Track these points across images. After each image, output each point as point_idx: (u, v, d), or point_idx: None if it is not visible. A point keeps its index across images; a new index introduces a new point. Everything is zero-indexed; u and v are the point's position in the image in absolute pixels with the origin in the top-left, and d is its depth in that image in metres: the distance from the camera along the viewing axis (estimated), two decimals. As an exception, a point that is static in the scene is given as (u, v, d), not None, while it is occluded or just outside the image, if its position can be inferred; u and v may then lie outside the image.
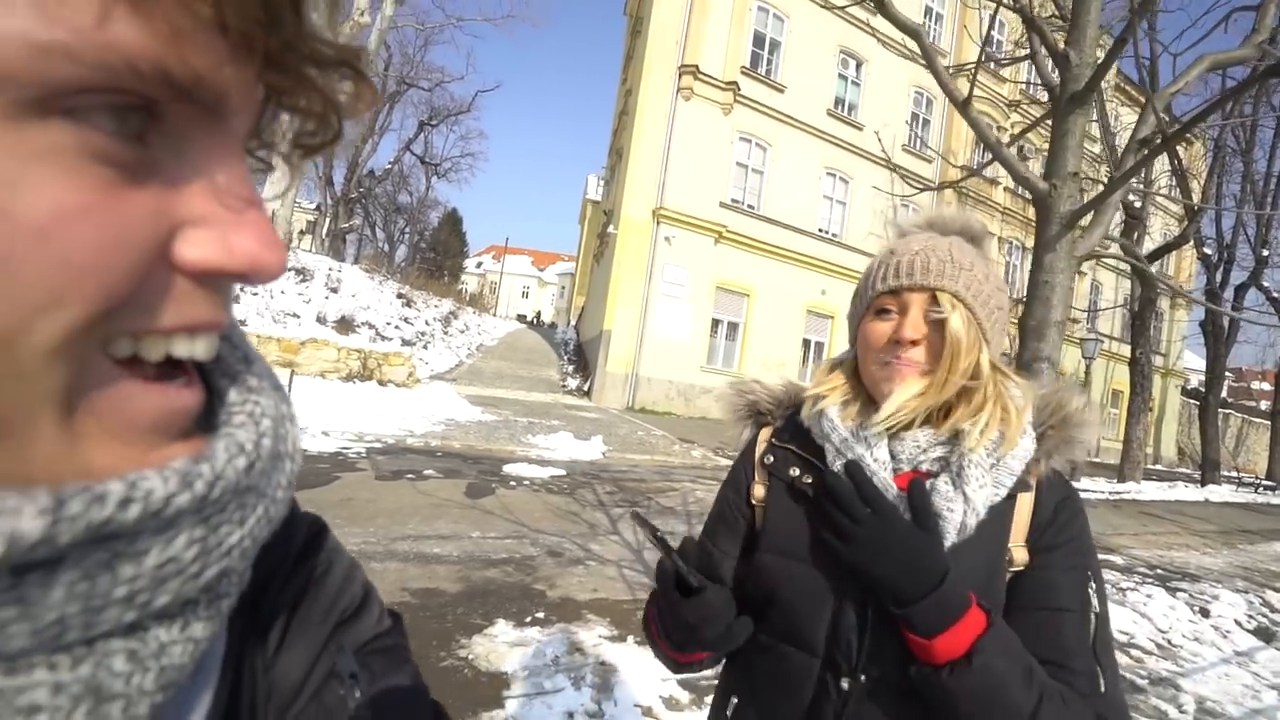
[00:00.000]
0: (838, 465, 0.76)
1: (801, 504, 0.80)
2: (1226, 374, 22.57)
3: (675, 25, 14.87)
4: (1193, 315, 26.20)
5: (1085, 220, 1.88)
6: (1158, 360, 23.82)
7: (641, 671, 2.91)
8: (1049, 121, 2.19)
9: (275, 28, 0.21)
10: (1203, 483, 18.65)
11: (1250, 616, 5.36)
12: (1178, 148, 17.83)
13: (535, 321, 40.80)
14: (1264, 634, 4.96)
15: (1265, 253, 20.61)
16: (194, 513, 0.23)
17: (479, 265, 61.78)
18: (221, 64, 0.21)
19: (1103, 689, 0.66)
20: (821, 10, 16.55)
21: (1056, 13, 2.28)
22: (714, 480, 8.30)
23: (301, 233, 33.92)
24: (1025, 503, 0.74)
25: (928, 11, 18.51)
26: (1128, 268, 17.77)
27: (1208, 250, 21.12)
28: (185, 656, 0.24)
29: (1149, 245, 18.01)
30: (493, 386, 14.03)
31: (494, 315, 28.66)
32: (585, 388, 15.67)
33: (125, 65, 0.18)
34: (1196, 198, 17.29)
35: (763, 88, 16.00)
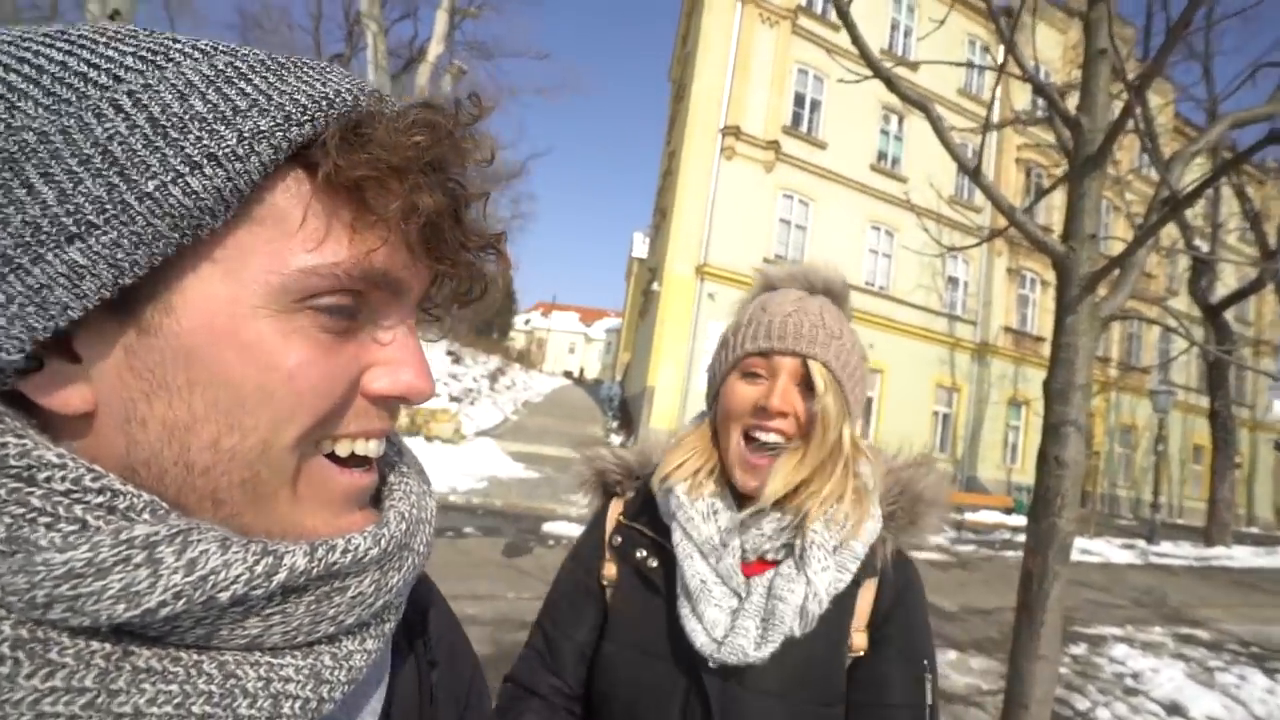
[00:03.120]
0: (684, 548, 0.72)
1: (650, 591, 0.76)
2: (1324, 428, 20.75)
3: (717, 89, 15.41)
4: None
5: (1113, 276, 1.83)
6: (1243, 413, 22.18)
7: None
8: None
9: (441, 241, 0.34)
10: (1305, 548, 16.92)
11: (1366, 706, 4.75)
12: (1247, 188, 17.05)
13: (580, 378, 41.27)
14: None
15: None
16: (376, 562, 0.34)
17: (527, 322, 63.44)
18: (406, 265, 0.33)
19: None
20: (860, 68, 16.91)
21: (1069, 80, 2.28)
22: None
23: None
24: (869, 588, 0.73)
25: (969, 64, 18.64)
26: (1199, 314, 16.83)
27: (1289, 296, 19.80)
28: (363, 661, 0.34)
29: (1221, 291, 17.07)
30: (536, 443, 14.16)
31: (541, 371, 29.19)
32: (629, 444, 15.64)
33: (349, 276, 0.30)
34: (1272, 240, 16.37)
35: (804, 145, 16.28)
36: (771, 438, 0.71)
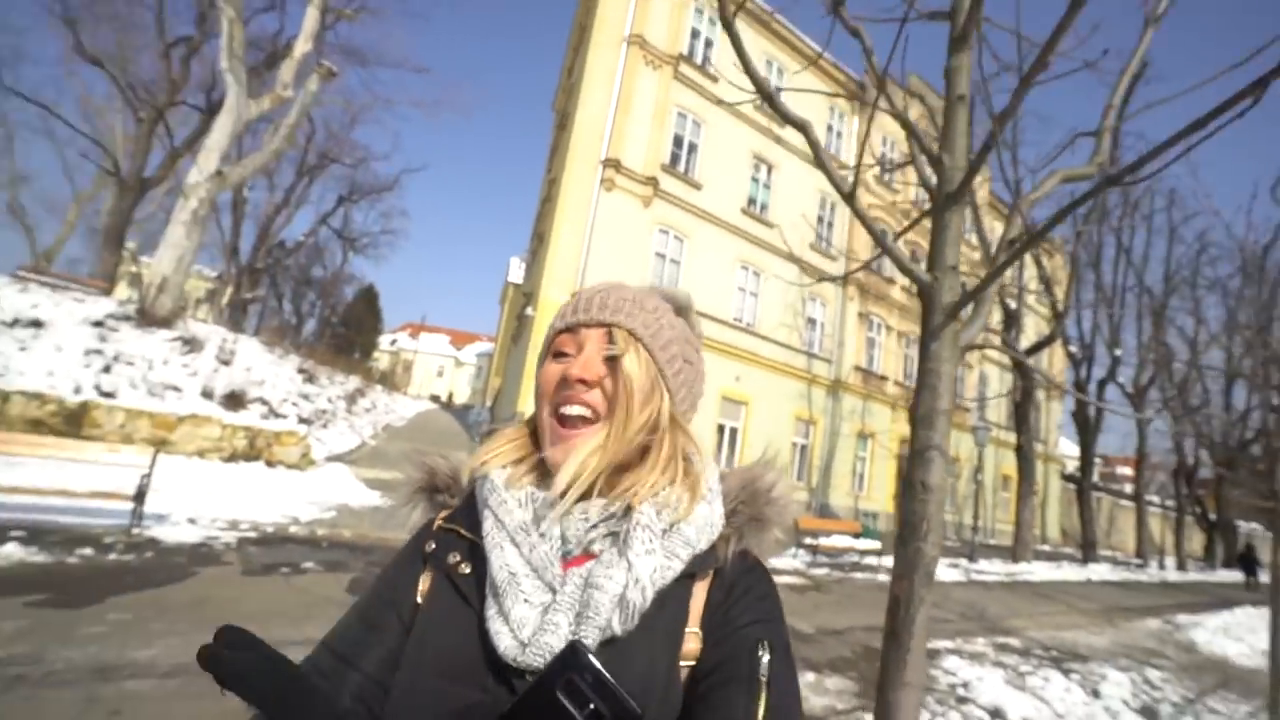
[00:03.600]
0: (494, 537, 0.62)
1: (460, 601, 0.63)
2: (1096, 460, 24.63)
3: (600, 122, 15.69)
4: (1066, 405, 28.84)
5: (966, 313, 1.99)
6: (1039, 447, 25.78)
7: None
8: (927, 222, 2.37)
9: None
10: (1084, 561, 19.87)
11: (1135, 695, 5.53)
12: (1042, 258, 20.31)
13: (448, 402, 39.46)
14: (1149, 713, 5.11)
15: (1118, 352, 23.25)
16: None
17: (394, 343, 59.91)
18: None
19: None
20: (735, 120, 18.04)
21: (932, 122, 2.54)
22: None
23: (199, 301, 31.90)
24: (703, 588, 0.64)
25: (830, 129, 20.57)
26: (1009, 362, 19.52)
27: (1073, 348, 23.57)
28: None
29: (1025, 343, 20.03)
30: (395, 469, 13.20)
31: (406, 395, 27.50)
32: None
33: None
34: (1060, 302, 19.47)
35: (681, 184, 16.96)
36: (576, 409, 0.65)
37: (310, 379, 15.62)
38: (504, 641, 0.57)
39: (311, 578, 5.23)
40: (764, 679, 0.59)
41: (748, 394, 18.00)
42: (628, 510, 0.63)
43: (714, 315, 17.26)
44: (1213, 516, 31.06)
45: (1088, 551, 20.68)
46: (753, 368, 18.07)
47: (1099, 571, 18.15)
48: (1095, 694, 5.31)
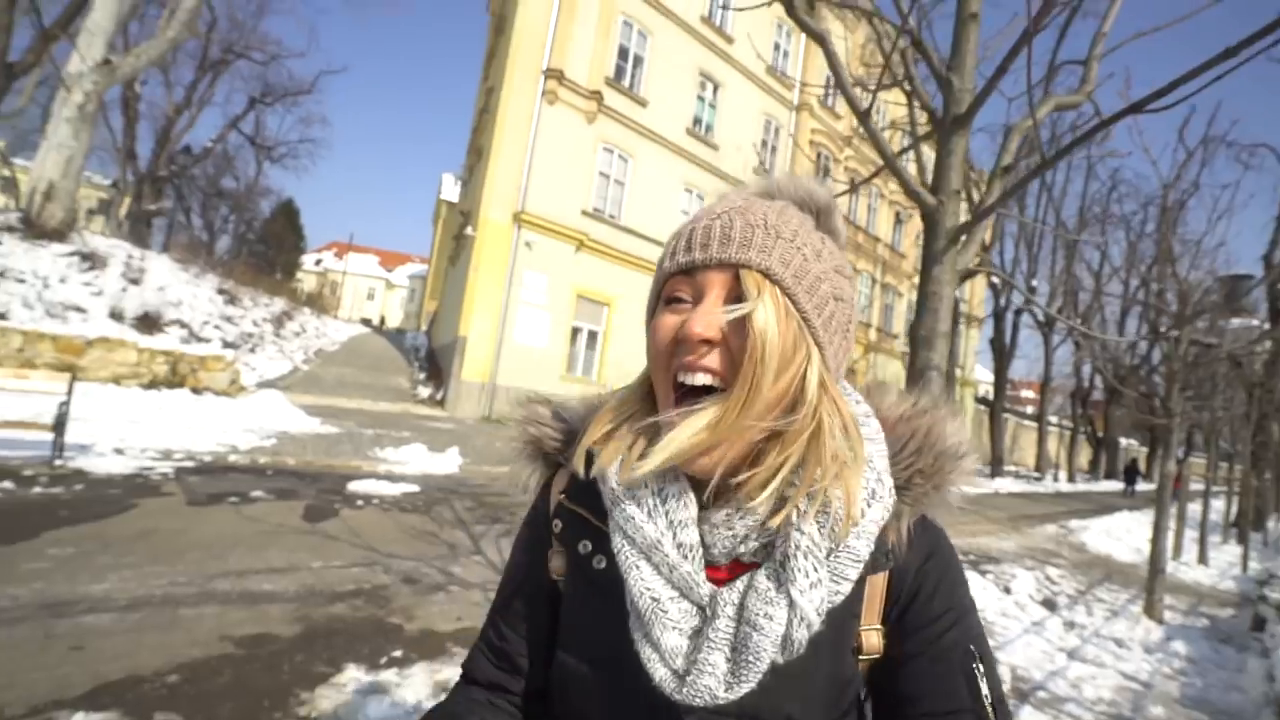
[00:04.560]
0: (626, 555, 0.54)
1: (600, 595, 0.58)
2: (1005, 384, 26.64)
3: (540, 27, 14.65)
4: (984, 333, 30.72)
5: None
6: (958, 373, 27.55)
7: (515, 706, 2.68)
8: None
9: None
10: (992, 476, 21.84)
11: (1038, 589, 6.26)
12: (974, 190, 20.98)
13: (381, 326, 38.07)
14: (1049, 604, 5.80)
15: (1035, 282, 24.74)
16: None
17: (319, 263, 56.57)
18: None
19: None
20: (682, 32, 17.24)
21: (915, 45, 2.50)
22: (578, 490, 8.17)
23: (91, 212, 28.80)
24: (878, 581, 0.57)
25: (776, 47, 19.98)
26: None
27: (995, 279, 24.88)
28: None
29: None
30: (334, 395, 12.78)
31: (336, 318, 26.26)
32: (439, 397, 14.81)
33: None
34: (987, 235, 20.32)
35: (626, 100, 16.26)
36: (699, 378, 0.51)
37: (232, 300, 14.64)
38: (658, 672, 0.52)
39: (264, 506, 5.08)
40: (989, 709, 0.54)
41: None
42: (778, 515, 0.52)
43: (657, 239, 17.09)
44: (1100, 435, 34.56)
45: (996, 467, 22.70)
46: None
47: (1005, 485, 20.02)
48: (1007, 590, 5.96)
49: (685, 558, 0.53)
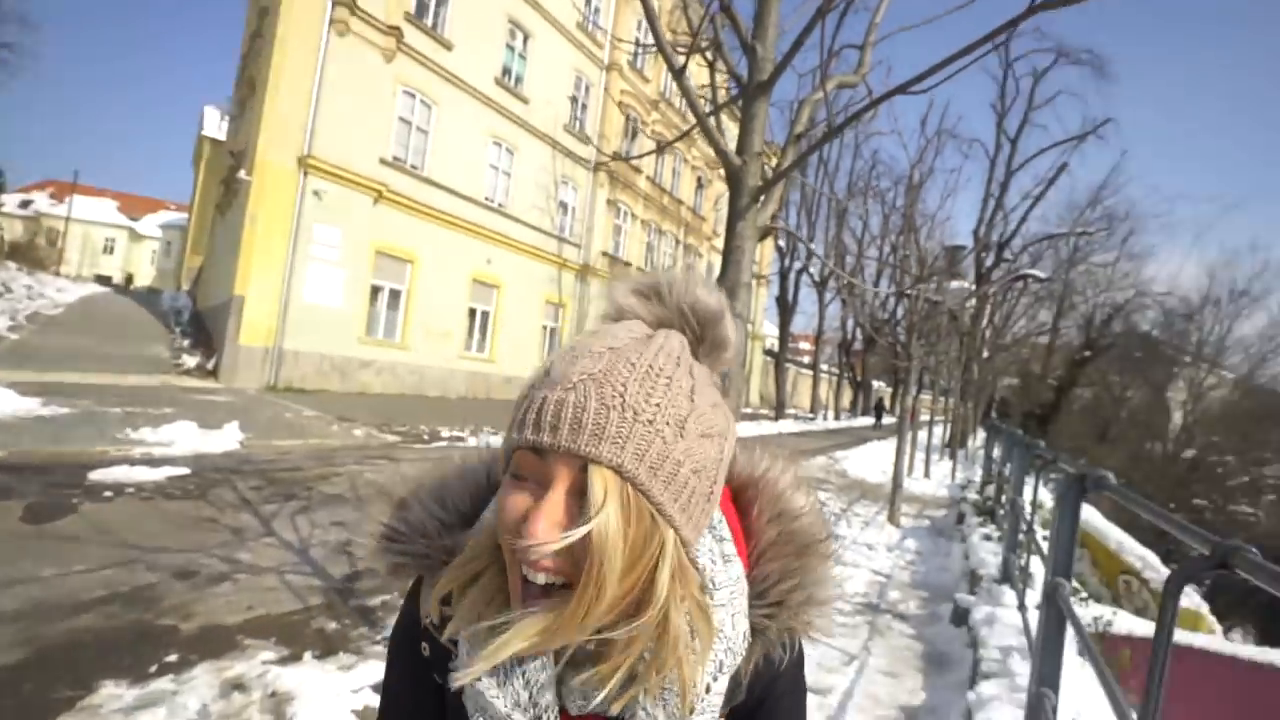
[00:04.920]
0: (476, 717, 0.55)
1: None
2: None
3: (320, -58, 12.79)
4: (770, 291, 34.20)
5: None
6: (749, 327, 30.51)
7: (324, 689, 2.54)
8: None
9: None
10: (776, 418, 24.81)
11: (812, 515, 7.34)
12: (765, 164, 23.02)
13: (128, 285, 31.66)
14: (820, 526, 6.84)
15: (814, 245, 28.03)
16: None
17: (28, 205, 44.98)
18: None
19: None
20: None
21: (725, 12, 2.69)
22: (383, 459, 7.72)
23: None
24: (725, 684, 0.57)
25: (587, 2, 19.69)
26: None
27: (781, 242, 27.72)
28: None
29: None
30: (62, 370, 10.45)
31: (59, 275, 21.27)
32: (210, 366, 12.83)
33: None
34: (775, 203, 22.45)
35: (429, 41, 14.98)
36: (541, 578, 0.48)
37: (-114, 250, 11.12)
38: None
39: (-37, 511, 4.07)
40: None
41: (500, 277, 17.78)
42: (625, 684, 0.51)
43: (464, 193, 16.30)
44: (859, 378, 40.76)
45: (779, 411, 25.76)
46: (505, 250, 17.76)
47: (787, 426, 22.85)
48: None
49: (543, 713, 0.53)
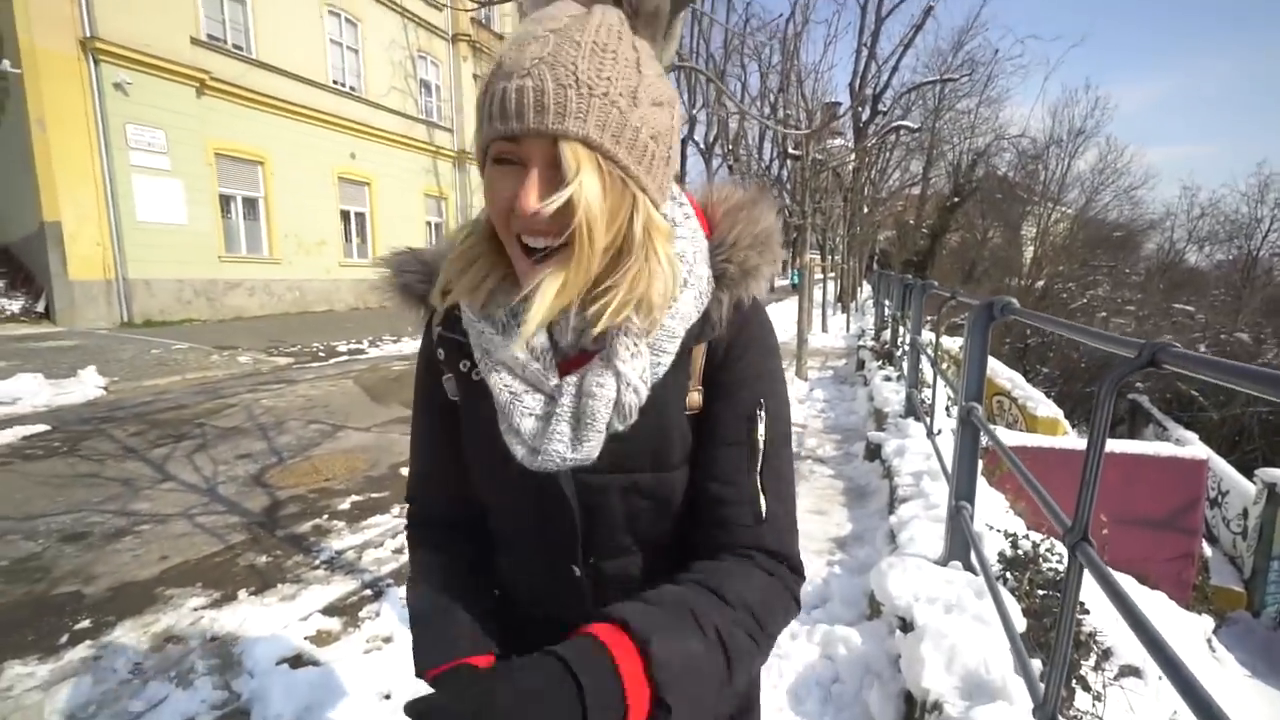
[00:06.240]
0: (486, 364, 0.64)
1: (482, 399, 0.65)
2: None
3: None
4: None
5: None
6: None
7: (269, 623, 2.43)
8: None
9: None
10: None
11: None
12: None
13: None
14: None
15: (695, 111, 27.28)
16: None
17: None
18: None
19: (764, 516, 0.65)
20: None
21: None
22: (278, 384, 7.16)
23: None
24: (701, 350, 0.67)
25: None
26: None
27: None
28: None
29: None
30: None
31: None
32: (39, 309, 11.04)
33: None
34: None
35: (220, -122, 12.20)
36: (539, 242, 0.56)
37: None
38: (518, 451, 0.62)
39: None
40: (761, 443, 0.65)
41: (369, 173, 16.16)
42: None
43: (308, 77, 14.22)
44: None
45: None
46: (369, 141, 16.02)
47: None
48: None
49: (536, 359, 0.61)
